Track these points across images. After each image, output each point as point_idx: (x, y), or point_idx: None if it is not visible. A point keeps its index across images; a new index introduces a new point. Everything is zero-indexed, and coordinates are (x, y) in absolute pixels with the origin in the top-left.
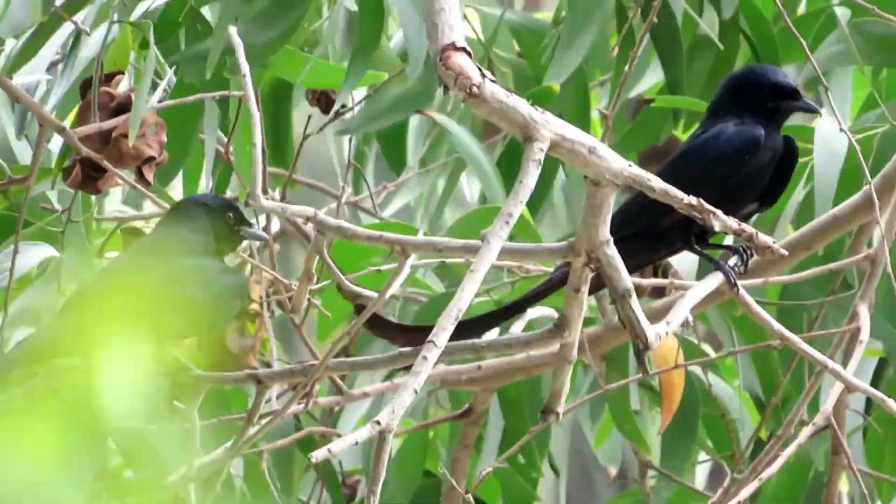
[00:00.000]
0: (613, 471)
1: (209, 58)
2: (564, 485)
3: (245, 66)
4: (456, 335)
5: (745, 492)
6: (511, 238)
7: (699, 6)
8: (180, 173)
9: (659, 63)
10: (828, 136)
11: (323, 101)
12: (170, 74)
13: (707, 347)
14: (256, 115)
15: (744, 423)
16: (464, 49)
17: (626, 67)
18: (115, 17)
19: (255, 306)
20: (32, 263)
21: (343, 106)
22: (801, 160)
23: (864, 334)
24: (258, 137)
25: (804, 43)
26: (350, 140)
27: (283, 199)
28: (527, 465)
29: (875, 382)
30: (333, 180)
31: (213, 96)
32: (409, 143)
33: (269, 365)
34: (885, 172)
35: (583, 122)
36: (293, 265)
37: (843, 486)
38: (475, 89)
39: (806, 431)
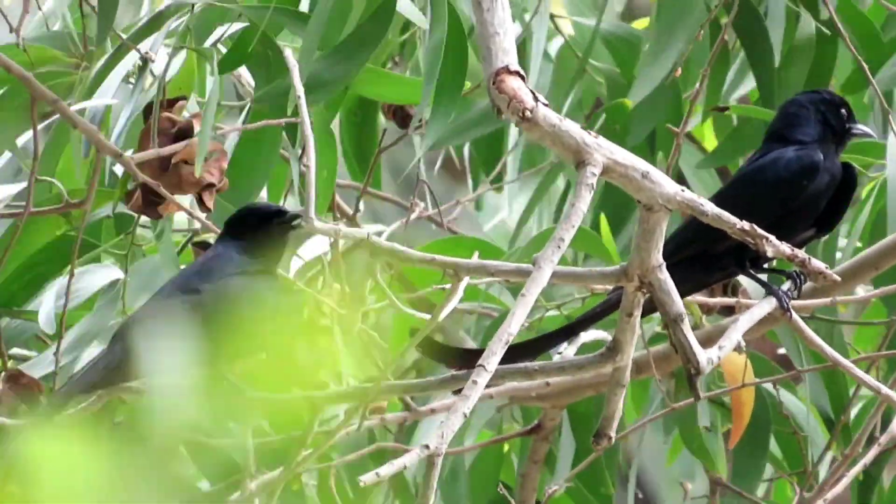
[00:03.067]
0: (689, 485)
1: (291, 91)
2: (632, 498)
3: (300, 89)
4: (511, 358)
5: None
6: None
7: (795, 15)
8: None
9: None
10: None
11: (399, 115)
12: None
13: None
14: (310, 139)
15: (815, 440)
16: (517, 73)
17: (697, 85)
18: (180, 44)
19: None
20: (99, 285)
21: (420, 121)
22: (871, 176)
23: None
24: (311, 160)
25: (865, 67)
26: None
27: (355, 212)
28: (596, 482)
29: None
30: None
31: (278, 122)
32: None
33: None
34: None
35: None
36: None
37: None
38: (528, 113)
39: (871, 452)
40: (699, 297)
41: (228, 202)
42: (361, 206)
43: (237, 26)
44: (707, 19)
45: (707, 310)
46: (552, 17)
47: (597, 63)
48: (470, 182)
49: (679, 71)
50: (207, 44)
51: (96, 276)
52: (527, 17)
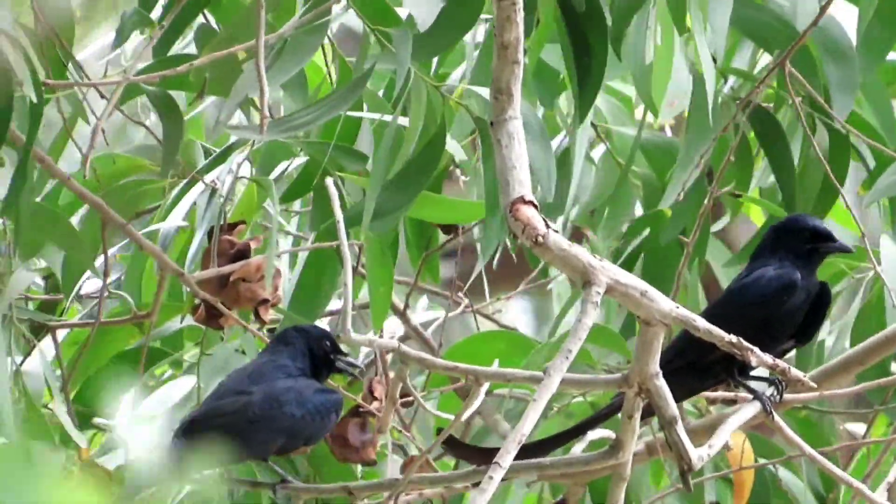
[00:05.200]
0: None
1: (364, 215)
2: None
3: (339, 213)
4: (526, 454)
5: None
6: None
7: (812, 122)
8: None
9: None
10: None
11: (444, 226)
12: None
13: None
14: (348, 258)
15: None
16: (531, 202)
17: (706, 200)
18: (240, 173)
19: (376, 404)
20: (182, 394)
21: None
22: (855, 277)
23: None
24: (349, 279)
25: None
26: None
27: (406, 307)
28: None
29: None
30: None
31: (328, 245)
32: None
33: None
34: None
35: (703, 237)
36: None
37: None
38: (540, 239)
39: None
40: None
41: (298, 314)
42: (423, 300)
43: (301, 160)
44: (728, 123)
45: (711, 401)
46: (594, 125)
47: (636, 168)
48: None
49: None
50: (273, 175)
51: (176, 386)
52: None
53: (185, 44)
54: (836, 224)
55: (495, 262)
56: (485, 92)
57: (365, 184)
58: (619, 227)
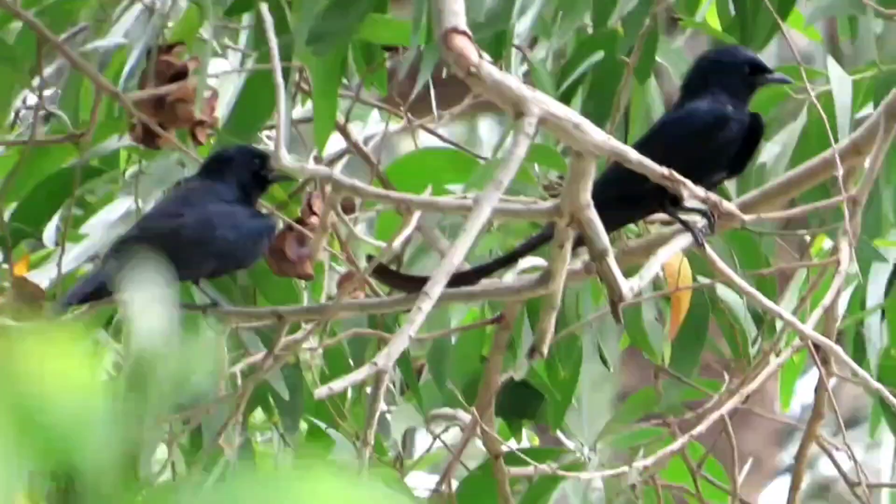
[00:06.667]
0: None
1: (296, 43)
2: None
3: (273, 41)
4: (456, 283)
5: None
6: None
7: None
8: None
9: None
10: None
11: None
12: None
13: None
14: (281, 86)
15: (752, 333)
16: (464, 33)
17: (646, 20)
18: None
19: (314, 219)
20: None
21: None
22: (797, 97)
23: (843, 265)
24: (282, 105)
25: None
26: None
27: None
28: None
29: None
30: None
31: (264, 67)
32: None
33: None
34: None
35: (645, 59)
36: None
37: None
38: (473, 69)
39: (785, 352)
40: None
41: (234, 137)
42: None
43: None
44: None
45: (650, 221)
46: None
47: None
48: None
49: None
50: None
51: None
52: None
53: None
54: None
55: (443, 74)
56: None
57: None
58: (565, 42)
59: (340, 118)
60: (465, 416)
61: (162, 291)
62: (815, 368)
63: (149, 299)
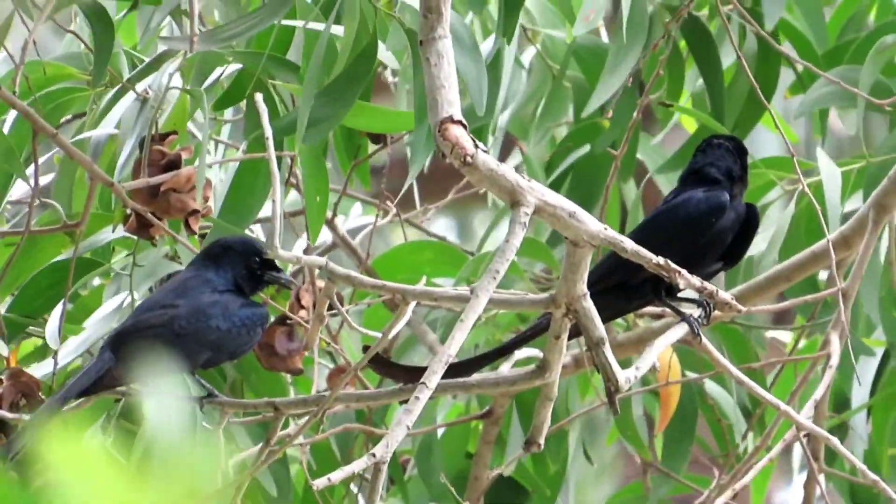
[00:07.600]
0: (638, 459)
1: (297, 128)
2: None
3: (268, 130)
4: (452, 373)
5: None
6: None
7: (742, 32)
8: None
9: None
10: (827, 167)
11: (372, 136)
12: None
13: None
14: (277, 175)
15: (741, 427)
16: (460, 122)
17: (635, 113)
18: (172, 84)
19: (303, 313)
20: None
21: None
22: (787, 189)
23: (834, 360)
24: (278, 195)
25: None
26: (385, 168)
27: (334, 215)
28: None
29: (879, 373)
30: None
31: (259, 156)
32: None
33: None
34: (859, 215)
35: (631, 150)
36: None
37: None
38: (469, 159)
39: (777, 447)
40: None
41: (231, 223)
42: (357, 207)
43: (234, 67)
44: (664, 35)
45: (639, 315)
46: (524, 27)
47: (568, 71)
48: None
49: (630, 81)
50: (206, 84)
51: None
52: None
53: None
54: (769, 131)
55: (425, 168)
56: (418, 4)
57: (299, 92)
58: (550, 133)
59: (328, 211)
60: None
61: (173, 384)
62: (783, 471)
63: (162, 392)
